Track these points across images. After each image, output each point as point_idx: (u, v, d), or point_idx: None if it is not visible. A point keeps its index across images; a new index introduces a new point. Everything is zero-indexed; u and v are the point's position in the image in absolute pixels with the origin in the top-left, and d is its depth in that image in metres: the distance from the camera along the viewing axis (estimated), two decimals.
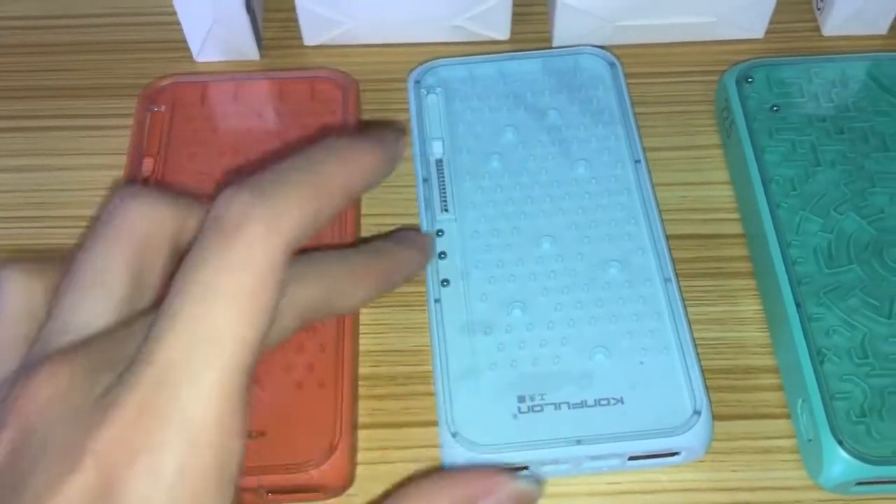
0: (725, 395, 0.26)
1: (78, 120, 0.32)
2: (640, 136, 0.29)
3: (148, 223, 0.18)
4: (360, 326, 0.27)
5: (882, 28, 0.33)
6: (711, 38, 0.34)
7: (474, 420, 0.24)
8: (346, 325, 0.26)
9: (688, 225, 0.30)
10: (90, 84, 0.33)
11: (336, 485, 0.24)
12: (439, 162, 0.29)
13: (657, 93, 0.33)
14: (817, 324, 0.25)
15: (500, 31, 0.34)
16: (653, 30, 0.33)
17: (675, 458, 0.24)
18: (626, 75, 0.31)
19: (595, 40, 0.33)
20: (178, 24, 0.32)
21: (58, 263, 0.19)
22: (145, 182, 0.29)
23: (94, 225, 0.18)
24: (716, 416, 0.25)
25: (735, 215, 0.30)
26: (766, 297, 0.27)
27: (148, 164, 0.29)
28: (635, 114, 0.30)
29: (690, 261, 0.29)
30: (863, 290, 0.26)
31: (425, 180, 0.28)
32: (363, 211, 0.30)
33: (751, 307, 0.28)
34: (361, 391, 0.26)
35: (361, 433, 0.26)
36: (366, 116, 0.32)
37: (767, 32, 0.34)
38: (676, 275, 0.26)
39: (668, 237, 0.27)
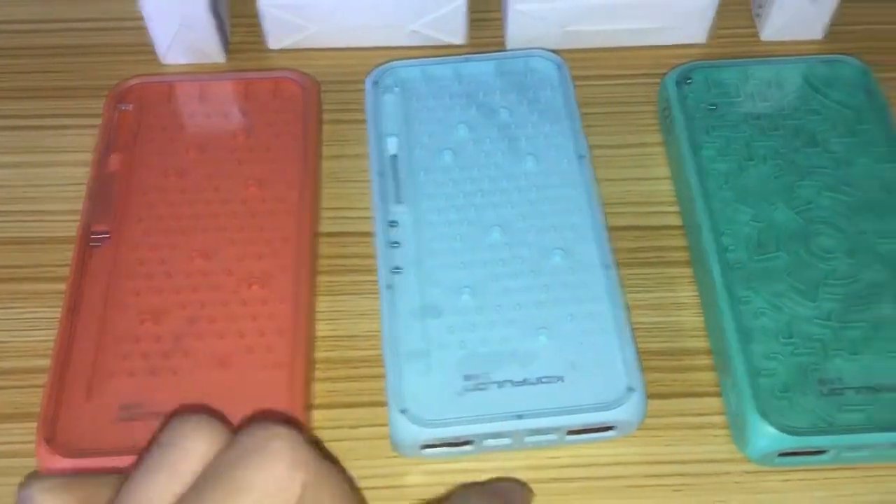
0: (662, 374, 0.28)
1: (48, 119, 0.34)
2: (585, 134, 0.31)
3: (205, 452, 0.17)
4: (317, 313, 0.29)
5: (817, 33, 0.35)
6: (657, 42, 0.35)
7: (422, 398, 0.25)
8: (301, 310, 0.27)
9: (631, 217, 0.31)
10: (61, 85, 0.35)
11: None
12: (394, 157, 0.30)
13: (605, 94, 0.34)
14: (746, 306, 0.27)
15: (457, 35, 0.35)
16: (601, 35, 0.35)
17: (611, 432, 0.26)
18: (575, 77, 0.33)
19: (546, 44, 0.34)
20: (146, 28, 0.34)
21: (83, 478, 0.18)
22: (112, 178, 0.30)
23: (153, 449, 0.17)
24: (652, 395, 0.27)
25: (675, 208, 0.31)
26: (700, 283, 0.29)
27: (115, 160, 0.30)
28: (581, 113, 0.32)
29: (632, 250, 0.30)
30: (789, 276, 0.27)
31: (380, 174, 0.30)
32: (323, 204, 0.31)
33: (688, 293, 0.29)
34: (318, 374, 0.28)
35: (318, 413, 0.27)
36: (327, 117, 0.34)
37: (709, 38, 0.35)
38: (616, 263, 0.28)
39: (610, 228, 0.29)
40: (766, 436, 0.24)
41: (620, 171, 0.32)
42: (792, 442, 0.24)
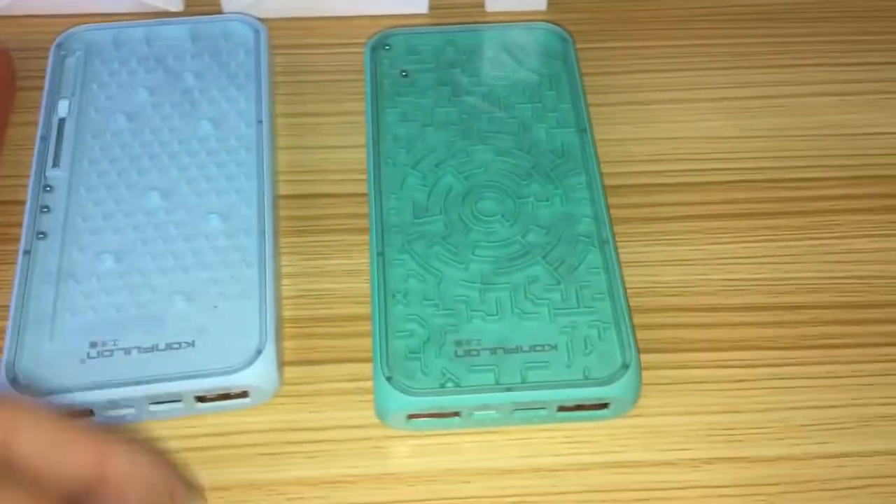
0: (321, 341, 0.27)
1: None
2: (272, 100, 0.30)
3: None
4: None
5: (541, 4, 0.35)
6: (378, 12, 0.35)
7: (41, 366, 0.24)
8: None
9: (323, 184, 0.30)
10: None
11: None
12: (62, 120, 0.29)
13: (319, 62, 0.34)
14: (397, 269, 0.26)
15: (173, 2, 0.34)
16: (321, 3, 0.34)
17: (246, 400, 0.25)
18: (289, 46, 0.32)
19: (265, 13, 0.33)
20: None
21: None
22: None
23: None
24: (306, 361, 0.26)
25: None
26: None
27: None
28: (290, 81, 0.31)
29: (319, 218, 0.30)
30: (445, 239, 0.27)
31: (43, 138, 0.28)
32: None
33: (364, 260, 0.29)
34: None
35: None
36: (28, 84, 0.32)
37: (434, 8, 0.35)
38: (276, 229, 0.27)
39: (297, 196, 0.28)
40: (389, 398, 0.24)
41: (320, 139, 0.32)
42: (414, 403, 0.24)
